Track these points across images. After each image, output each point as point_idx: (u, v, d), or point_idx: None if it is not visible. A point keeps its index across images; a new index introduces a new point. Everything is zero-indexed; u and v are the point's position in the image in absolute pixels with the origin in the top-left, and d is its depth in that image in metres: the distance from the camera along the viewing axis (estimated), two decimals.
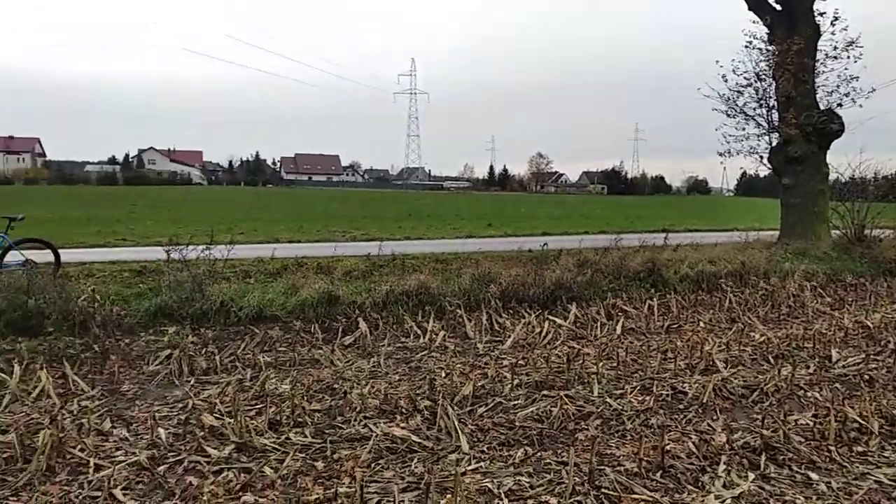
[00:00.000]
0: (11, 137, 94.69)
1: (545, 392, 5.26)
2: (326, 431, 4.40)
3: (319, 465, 3.88)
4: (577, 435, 4.45)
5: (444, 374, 5.62)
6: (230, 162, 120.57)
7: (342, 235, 17.68)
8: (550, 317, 7.61)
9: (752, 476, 3.82)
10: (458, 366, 5.90)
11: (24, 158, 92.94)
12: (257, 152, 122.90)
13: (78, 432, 4.23)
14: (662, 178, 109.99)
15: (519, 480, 3.73)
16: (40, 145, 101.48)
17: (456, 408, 4.74)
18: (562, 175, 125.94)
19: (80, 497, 3.43)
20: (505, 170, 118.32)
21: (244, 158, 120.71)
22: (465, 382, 5.23)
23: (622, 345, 6.71)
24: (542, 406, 4.91)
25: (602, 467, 3.89)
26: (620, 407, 4.96)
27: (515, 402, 5.03)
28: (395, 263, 10.63)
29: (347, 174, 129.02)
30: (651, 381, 5.58)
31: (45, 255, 9.25)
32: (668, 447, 4.13)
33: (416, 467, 3.87)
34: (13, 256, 8.92)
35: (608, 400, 5.09)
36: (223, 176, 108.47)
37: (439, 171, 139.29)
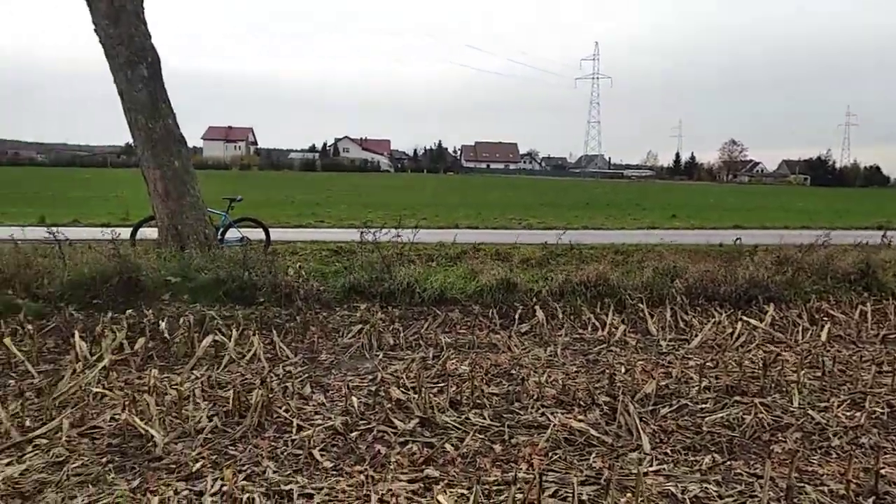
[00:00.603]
0: (230, 128, 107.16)
1: (737, 398, 4.90)
2: (504, 416, 4.46)
3: (497, 447, 3.95)
4: (772, 447, 4.09)
5: (624, 370, 5.45)
6: (415, 150, 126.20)
7: (518, 223, 17.79)
8: (744, 317, 7.05)
9: None
10: (640, 362, 5.69)
11: (239, 146, 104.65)
12: (440, 141, 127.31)
13: (283, 394, 4.68)
14: (878, 169, 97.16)
15: (706, 488, 3.52)
16: (253, 134, 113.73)
17: (637, 406, 4.57)
18: (757, 164, 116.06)
19: (285, 453, 3.80)
20: (692, 157, 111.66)
21: (427, 147, 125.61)
22: (648, 380, 5.03)
23: (828, 353, 6.05)
24: (734, 412, 4.58)
25: (802, 485, 3.55)
26: (825, 421, 4.48)
27: (703, 406, 4.74)
28: (573, 253, 10.49)
29: (525, 162, 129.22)
30: (862, 396, 4.98)
31: (257, 233, 10.36)
32: (883, 471, 3.66)
33: (594, 462, 3.80)
34: (232, 233, 10.09)
35: (810, 412, 4.62)
36: (408, 163, 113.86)
37: (620, 159, 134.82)
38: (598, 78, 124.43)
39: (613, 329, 6.75)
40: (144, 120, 8.59)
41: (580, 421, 4.35)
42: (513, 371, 5.45)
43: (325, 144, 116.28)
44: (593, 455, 3.89)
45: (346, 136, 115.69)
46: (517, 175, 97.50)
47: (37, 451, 3.75)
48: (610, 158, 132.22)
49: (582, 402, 4.72)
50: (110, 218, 15.03)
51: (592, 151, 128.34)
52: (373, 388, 4.88)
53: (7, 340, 5.32)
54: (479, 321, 6.92)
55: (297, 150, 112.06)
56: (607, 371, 5.39)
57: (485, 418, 4.39)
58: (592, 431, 4.18)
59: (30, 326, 5.75)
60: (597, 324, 6.95)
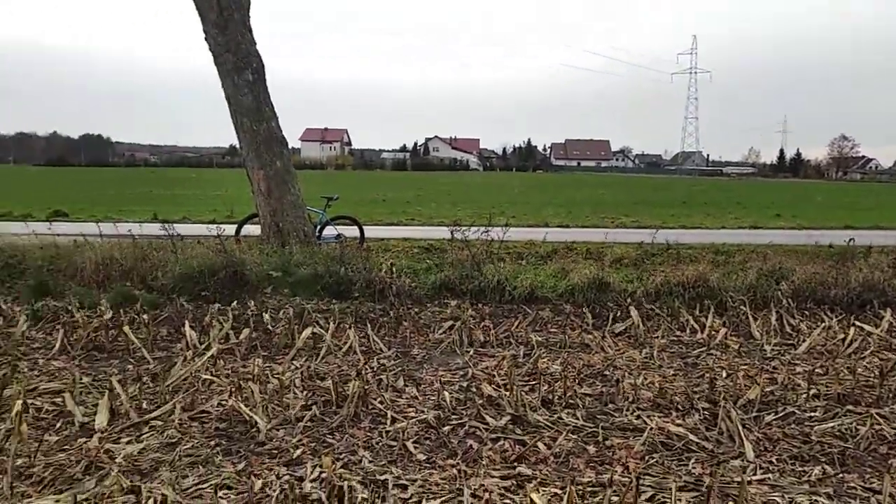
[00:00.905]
0: (326, 129, 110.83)
1: (849, 407, 4.58)
2: (598, 417, 4.38)
3: (591, 448, 3.88)
4: (891, 461, 3.81)
5: (725, 375, 5.22)
6: (503, 149, 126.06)
7: (611, 222, 17.38)
8: (857, 322, 6.59)
9: None
10: (743, 367, 5.43)
11: (335, 147, 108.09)
12: (529, 139, 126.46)
13: (378, 386, 4.80)
14: None
15: (815, 500, 3.32)
16: (347, 135, 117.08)
17: (739, 412, 4.37)
18: (871, 160, 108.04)
19: (380, 444, 3.90)
20: (798, 154, 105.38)
21: (516, 145, 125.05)
22: (751, 386, 4.79)
23: None
24: (846, 423, 4.29)
25: None
26: None
27: (812, 415, 4.47)
28: (669, 253, 10.14)
29: (617, 159, 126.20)
30: None
31: (352, 231, 10.65)
32: None
33: (693, 468, 3.67)
34: (329, 231, 10.42)
35: None
36: (497, 162, 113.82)
37: (718, 156, 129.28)
38: (695, 72, 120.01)
39: (713, 332, 6.48)
40: (249, 123, 9.03)
41: (678, 425, 4.20)
42: (606, 372, 5.34)
43: (415, 144, 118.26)
44: (692, 461, 3.76)
45: (435, 136, 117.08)
46: (609, 173, 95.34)
47: (152, 432, 4.02)
48: (708, 155, 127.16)
49: (680, 407, 4.56)
50: (216, 215, 15.88)
51: (689, 148, 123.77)
52: (464, 384, 4.91)
53: (126, 328, 5.74)
54: (571, 321, 6.82)
55: (388, 150, 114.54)
56: (707, 375, 5.18)
57: (578, 419, 4.32)
58: (691, 436, 4.03)
59: (145, 316, 6.18)
60: (695, 326, 6.69)
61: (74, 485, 3.35)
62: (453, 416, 4.32)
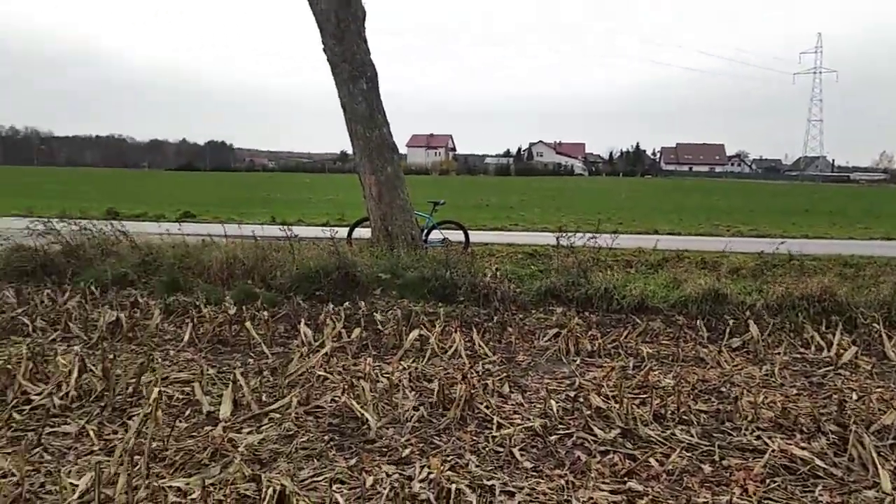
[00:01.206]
0: (432, 135, 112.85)
1: None
2: (714, 435, 4.18)
3: (707, 468, 3.71)
4: None
5: (855, 397, 4.84)
6: (610, 153, 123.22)
7: (726, 230, 16.58)
8: None
9: None
10: (877, 390, 5.02)
11: (439, 152, 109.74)
12: (637, 143, 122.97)
13: (483, 391, 4.82)
14: None
15: None
16: (452, 141, 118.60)
17: (873, 438, 4.04)
18: None
19: (487, 449, 3.91)
20: None
21: (624, 149, 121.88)
22: (887, 411, 4.41)
23: None
24: None
25: None
26: None
27: None
28: (792, 264, 9.54)
29: (732, 164, 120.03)
30: None
31: (456, 235, 10.78)
32: None
33: (820, 495, 3.42)
34: (434, 235, 10.60)
35: None
36: (603, 167, 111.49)
37: (845, 161, 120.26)
38: (820, 72, 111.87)
39: (841, 350, 6.02)
40: (363, 129, 9.36)
41: (803, 448, 3.94)
42: (723, 388, 5.09)
43: (519, 149, 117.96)
44: (819, 488, 3.51)
45: (540, 141, 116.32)
46: (723, 178, 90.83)
47: (271, 424, 4.24)
48: (833, 160, 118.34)
49: (805, 429, 4.28)
50: (328, 218, 16.55)
51: (813, 152, 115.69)
52: (571, 394, 4.84)
53: (248, 324, 6.09)
54: (684, 333, 6.55)
55: (492, 155, 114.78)
56: (835, 396, 4.82)
57: (692, 436, 4.15)
58: (818, 462, 3.77)
59: (265, 313, 6.53)
60: (821, 343, 6.25)
61: (202, 470, 3.59)
62: (560, 426, 4.26)
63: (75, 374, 4.62)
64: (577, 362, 5.72)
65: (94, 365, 4.89)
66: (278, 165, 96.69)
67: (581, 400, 4.66)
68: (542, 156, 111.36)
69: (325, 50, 9.40)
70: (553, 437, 4.08)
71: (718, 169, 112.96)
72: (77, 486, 3.20)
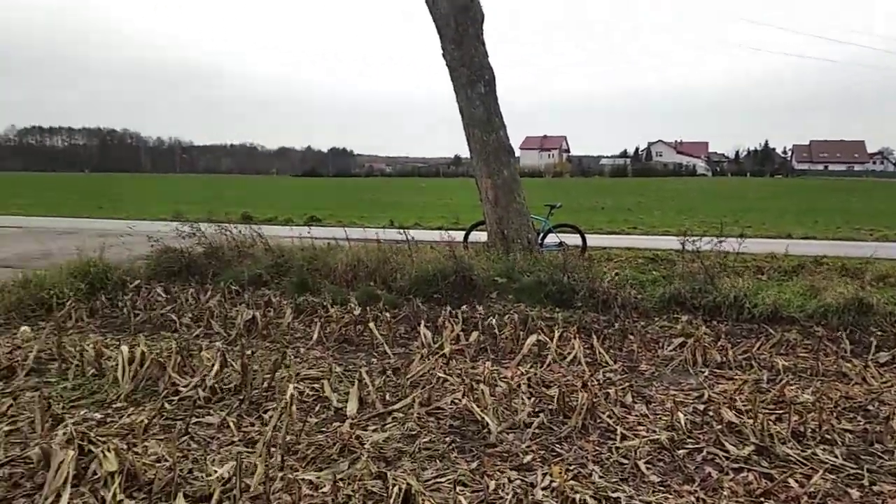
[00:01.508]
0: (545, 136, 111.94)
1: None
2: (862, 457, 3.86)
3: (854, 492, 3.43)
4: None
5: None
6: (736, 152, 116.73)
7: (869, 234, 15.26)
8: None
9: None
10: None
11: (553, 154, 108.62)
12: (766, 141, 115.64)
13: (605, 400, 4.71)
14: None
15: None
16: (566, 142, 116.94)
17: None
18: None
19: (610, 460, 3.82)
20: None
21: (751, 148, 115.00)
22: None
23: None
24: None
25: None
26: None
27: None
28: None
29: (874, 162, 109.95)
30: None
31: (572, 239, 10.61)
32: None
33: None
34: (551, 238, 10.50)
35: None
36: (728, 167, 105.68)
37: None
38: None
39: None
40: (480, 133, 9.44)
41: None
42: (870, 407, 4.68)
43: (636, 149, 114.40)
44: None
45: (659, 140, 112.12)
46: (864, 178, 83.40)
47: (394, 423, 4.36)
48: None
49: None
50: (443, 221, 16.84)
51: None
52: (699, 407, 4.62)
53: (371, 325, 6.31)
54: (824, 345, 6.08)
55: (607, 156, 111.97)
56: None
57: (836, 457, 3.84)
58: None
59: (387, 314, 6.74)
60: None
61: (331, 464, 3.76)
62: (688, 440, 4.08)
63: (217, 369, 4.98)
64: (706, 374, 5.46)
65: (233, 360, 5.26)
66: (395, 170, 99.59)
67: (711, 414, 4.44)
68: (661, 156, 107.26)
69: (444, 55, 9.56)
70: (681, 452, 3.92)
71: (858, 167, 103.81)
72: (220, 474, 3.45)
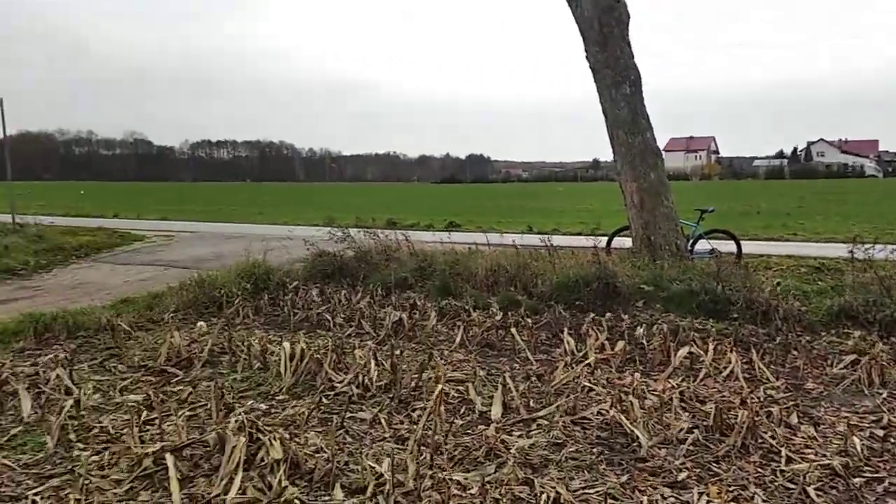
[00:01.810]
0: (691, 138, 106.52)
1: None
2: None
3: None
4: None
5: None
6: None
7: None
8: None
9: None
10: None
11: (700, 156, 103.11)
12: None
13: (767, 419, 4.38)
14: None
15: None
16: (715, 143, 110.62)
17: None
18: None
19: (775, 484, 3.55)
20: None
21: None
22: None
23: None
24: None
25: None
26: None
27: None
28: None
29: None
30: None
31: (725, 246, 9.99)
32: None
33: None
34: (701, 245, 9.96)
35: None
36: None
37: None
38: None
39: None
40: (624, 135, 9.17)
41: None
42: None
43: (794, 150, 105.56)
44: None
45: (820, 139, 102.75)
46: None
47: (539, 430, 4.33)
48: None
49: None
50: (582, 227, 16.53)
51: None
52: (878, 432, 4.18)
53: (513, 330, 6.32)
54: None
55: (761, 158, 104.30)
56: None
57: None
58: None
59: (529, 320, 6.72)
60: None
61: (478, 467, 3.80)
62: (866, 468, 3.70)
63: (370, 367, 5.23)
64: (884, 395, 4.92)
65: (383, 359, 5.49)
66: (532, 176, 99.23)
67: (892, 440, 4.01)
68: (823, 156, 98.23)
69: (587, 56, 9.40)
70: (857, 480, 3.56)
71: None
72: (375, 469, 3.60)
